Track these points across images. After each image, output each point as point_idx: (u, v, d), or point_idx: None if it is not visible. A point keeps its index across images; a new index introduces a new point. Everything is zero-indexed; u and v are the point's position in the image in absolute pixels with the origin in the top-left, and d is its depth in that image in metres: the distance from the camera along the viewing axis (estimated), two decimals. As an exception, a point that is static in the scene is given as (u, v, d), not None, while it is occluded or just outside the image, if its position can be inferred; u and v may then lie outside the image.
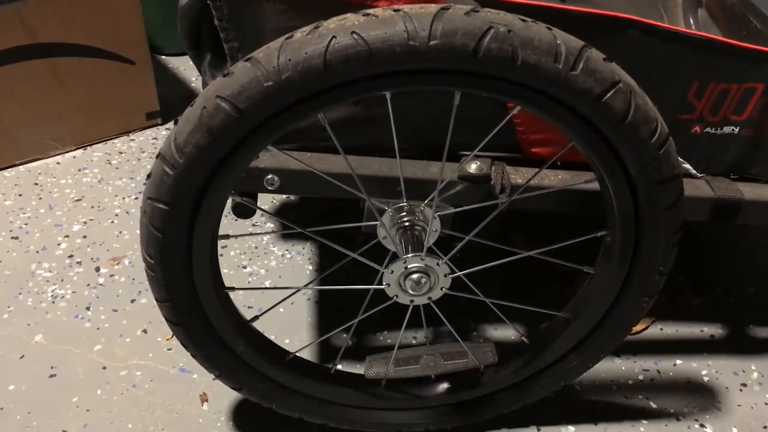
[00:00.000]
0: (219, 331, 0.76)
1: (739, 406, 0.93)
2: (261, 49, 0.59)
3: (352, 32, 0.56)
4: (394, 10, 0.57)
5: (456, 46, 0.56)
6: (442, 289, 0.74)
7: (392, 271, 0.73)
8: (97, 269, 1.11)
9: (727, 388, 0.95)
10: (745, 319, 1.05)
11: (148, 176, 0.65)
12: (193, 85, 1.55)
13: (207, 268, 0.71)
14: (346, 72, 0.58)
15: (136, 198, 1.24)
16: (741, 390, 0.95)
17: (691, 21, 1.25)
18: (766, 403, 0.93)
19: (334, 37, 0.56)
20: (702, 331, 1.03)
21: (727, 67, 0.75)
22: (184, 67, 1.59)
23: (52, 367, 0.96)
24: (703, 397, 0.94)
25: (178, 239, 0.67)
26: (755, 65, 0.75)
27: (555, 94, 0.60)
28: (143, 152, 1.36)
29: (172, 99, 1.47)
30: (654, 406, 0.93)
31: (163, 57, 1.63)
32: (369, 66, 0.57)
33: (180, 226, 0.66)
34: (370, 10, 0.58)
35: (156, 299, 0.73)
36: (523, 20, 0.58)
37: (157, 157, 0.64)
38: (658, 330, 1.03)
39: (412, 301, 0.75)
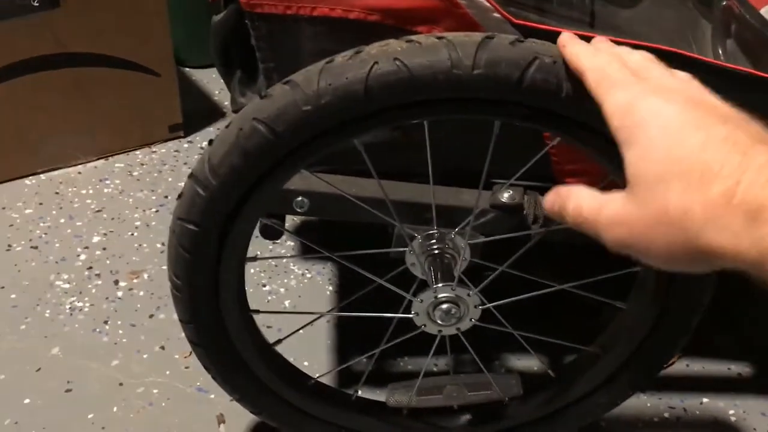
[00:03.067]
0: (241, 353, 0.75)
1: (768, 448, 0.91)
2: (300, 72, 0.58)
3: (395, 58, 0.55)
4: (438, 38, 0.56)
5: (500, 76, 0.55)
6: (471, 320, 0.73)
7: (422, 300, 0.71)
8: (116, 282, 1.10)
9: (754, 429, 0.93)
10: (774, 358, 1.03)
11: (179, 196, 0.64)
12: (215, 98, 1.54)
13: (233, 291, 0.70)
14: (387, 98, 0.56)
15: (156, 210, 1.24)
16: (769, 432, 0.93)
17: (720, 51, 1.23)
18: (795, 447, 0.91)
19: (376, 62, 0.55)
20: (729, 369, 1.01)
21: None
22: (207, 80, 1.59)
23: (68, 382, 0.94)
24: (730, 437, 0.92)
25: (206, 261, 0.66)
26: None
27: (599, 128, 0.59)
28: (164, 164, 1.35)
29: (195, 112, 1.46)
30: (680, 445, 0.91)
31: (187, 69, 1.62)
32: (410, 93, 0.56)
33: (209, 247, 0.65)
34: (413, 37, 0.57)
35: (180, 320, 0.72)
36: (570, 52, 0.56)
37: (189, 177, 0.63)
38: (684, 366, 1.00)
39: (440, 331, 0.73)
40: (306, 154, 0.61)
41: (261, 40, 0.70)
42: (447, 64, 0.55)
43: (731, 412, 0.95)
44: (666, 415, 0.95)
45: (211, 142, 0.62)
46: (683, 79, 0.49)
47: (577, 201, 0.48)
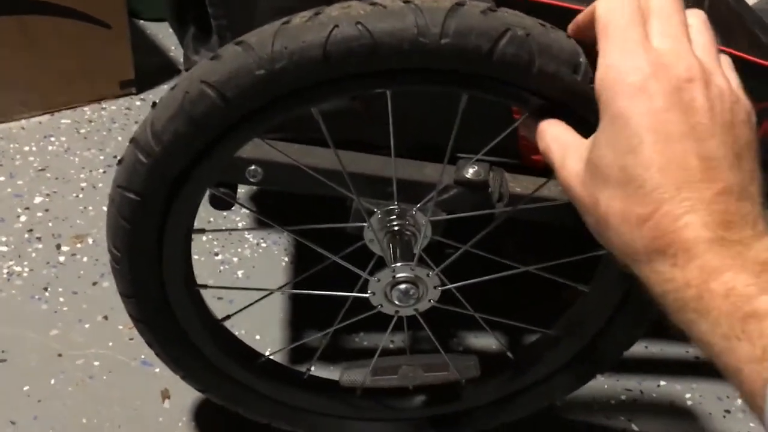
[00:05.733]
0: (187, 330, 0.71)
1: (722, 432, 0.91)
2: (254, 33, 0.53)
3: (357, 22, 0.50)
4: (405, 1, 0.51)
5: (469, 47, 0.51)
6: (430, 301, 0.69)
7: (378, 280, 0.67)
8: (58, 246, 1.04)
9: (710, 413, 0.93)
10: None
11: (119, 162, 0.59)
12: (171, 54, 1.47)
13: (178, 264, 0.66)
14: (347, 65, 0.52)
15: (104, 171, 1.18)
16: (724, 416, 0.92)
17: (693, 26, 1.21)
18: (748, 432, 0.91)
19: (336, 26, 0.51)
20: (687, 352, 1.00)
21: (747, 85, 0.71)
22: (163, 34, 1.51)
23: (2, 351, 0.89)
24: (685, 421, 0.92)
25: (148, 232, 0.62)
26: (774, 85, 0.71)
27: (570, 105, 0.55)
28: (114, 123, 1.29)
29: (149, 68, 1.39)
30: (635, 428, 0.90)
31: (141, 22, 1.54)
32: (372, 61, 0.52)
33: (151, 218, 0.61)
34: (378, -1, 0.52)
35: (120, 293, 0.67)
36: (543, 25, 0.52)
37: (130, 142, 0.58)
38: (643, 348, 0.99)
39: (397, 311, 0.70)
40: (258, 121, 0.56)
41: (213, -5, 0.65)
42: (413, 31, 0.51)
43: (688, 395, 0.94)
44: (623, 397, 0.94)
45: (154, 104, 0.57)
46: (700, 42, 0.44)
47: (551, 142, 0.50)
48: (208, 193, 0.71)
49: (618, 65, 0.43)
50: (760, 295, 0.36)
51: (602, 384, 0.94)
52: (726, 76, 0.44)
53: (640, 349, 0.99)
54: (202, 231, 0.69)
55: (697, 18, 0.46)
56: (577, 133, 0.49)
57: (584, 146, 0.46)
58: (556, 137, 0.50)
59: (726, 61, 0.46)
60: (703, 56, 0.43)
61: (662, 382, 0.96)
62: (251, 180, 0.71)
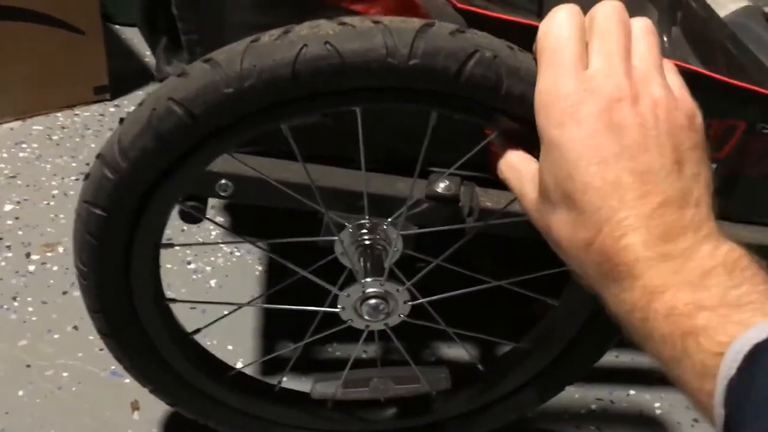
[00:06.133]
0: (156, 344, 0.70)
1: (690, 442, 0.92)
2: (223, 50, 0.53)
3: (326, 42, 0.51)
4: (374, 22, 0.52)
5: (437, 68, 0.51)
6: (400, 315, 0.70)
7: (348, 295, 0.68)
8: (28, 255, 1.03)
9: (679, 422, 0.94)
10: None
11: (86, 177, 0.59)
12: (146, 59, 1.46)
13: (147, 279, 0.65)
14: (316, 84, 0.52)
15: (76, 179, 1.16)
16: (693, 426, 0.93)
17: (665, 38, 1.22)
18: (716, 441, 0.92)
19: (305, 45, 0.51)
20: (657, 361, 1.01)
21: (713, 103, 0.72)
22: (138, 39, 1.50)
23: (-30, 363, 0.88)
24: (654, 431, 0.92)
25: (115, 248, 0.61)
26: (741, 103, 0.72)
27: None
28: (88, 129, 1.27)
29: (123, 73, 1.38)
30: (605, 438, 0.91)
31: (116, 27, 1.53)
32: (341, 80, 0.52)
33: (119, 234, 0.60)
34: (347, 19, 0.52)
35: (87, 309, 0.67)
36: (511, 48, 0.53)
37: (97, 157, 0.58)
38: (614, 357, 1.00)
39: (367, 326, 0.70)
40: (226, 138, 0.56)
41: (183, 10, 0.65)
42: (382, 52, 0.51)
43: (657, 405, 0.95)
44: (593, 406, 0.94)
45: (122, 120, 0.57)
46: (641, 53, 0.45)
47: (507, 171, 0.51)
48: (177, 207, 0.71)
49: (549, 91, 0.44)
50: (697, 313, 0.37)
51: (573, 393, 0.95)
52: (664, 84, 0.44)
53: (610, 358, 1.00)
54: (171, 245, 0.68)
55: (639, 25, 0.46)
56: (531, 160, 0.49)
57: (537, 172, 0.47)
58: (511, 166, 0.50)
59: (669, 66, 0.46)
60: (641, 65, 0.44)
61: (632, 392, 0.97)
62: (222, 194, 0.70)
